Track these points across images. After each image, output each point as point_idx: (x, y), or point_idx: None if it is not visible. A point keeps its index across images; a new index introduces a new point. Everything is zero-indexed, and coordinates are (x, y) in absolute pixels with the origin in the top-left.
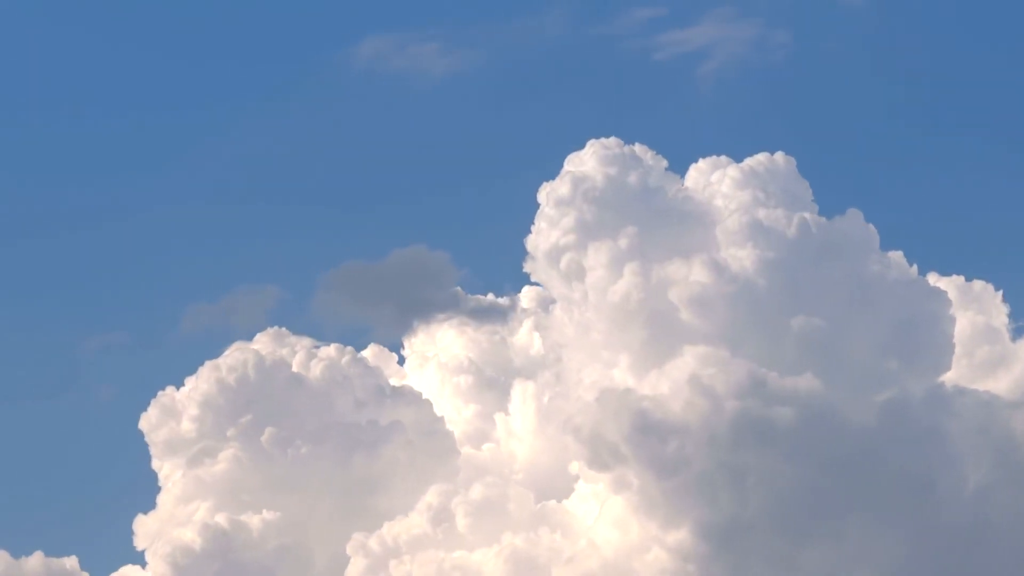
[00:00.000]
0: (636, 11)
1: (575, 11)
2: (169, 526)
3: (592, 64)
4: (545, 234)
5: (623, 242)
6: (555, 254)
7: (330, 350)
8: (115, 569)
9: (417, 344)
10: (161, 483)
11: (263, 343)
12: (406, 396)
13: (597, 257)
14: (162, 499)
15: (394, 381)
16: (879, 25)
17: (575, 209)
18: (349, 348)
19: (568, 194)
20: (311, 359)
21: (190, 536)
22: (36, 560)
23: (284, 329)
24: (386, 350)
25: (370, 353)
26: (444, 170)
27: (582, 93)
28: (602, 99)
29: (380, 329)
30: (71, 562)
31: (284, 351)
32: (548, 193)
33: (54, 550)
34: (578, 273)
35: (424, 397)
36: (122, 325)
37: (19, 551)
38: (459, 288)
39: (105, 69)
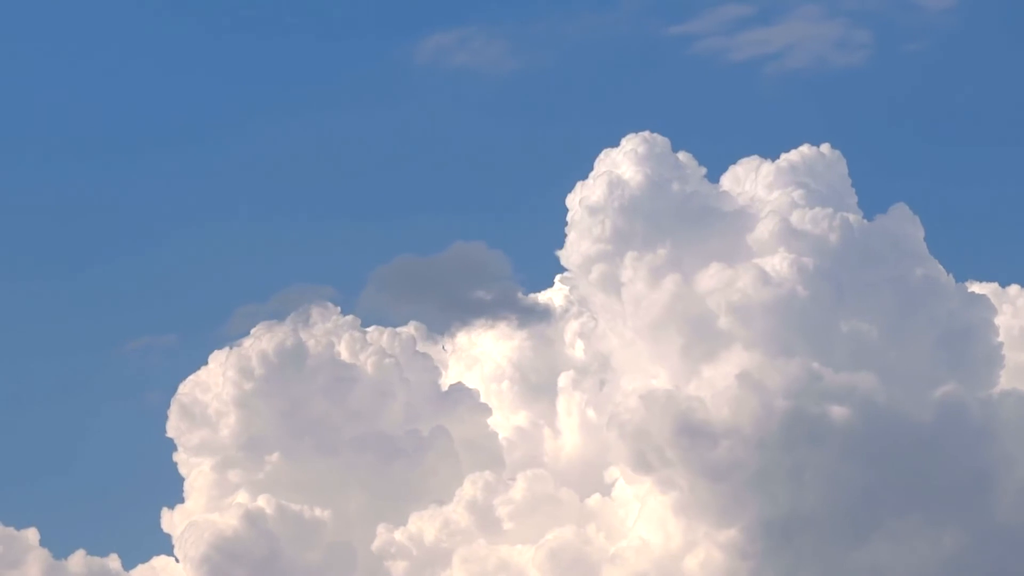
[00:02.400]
0: (722, 9)
1: (655, 9)
2: (202, 521)
3: (662, 65)
4: (576, 245)
5: (661, 251)
6: (588, 265)
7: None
8: (157, 570)
9: (461, 344)
10: (189, 478)
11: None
12: (458, 397)
13: (635, 267)
14: (193, 495)
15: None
16: (964, 28)
17: (609, 218)
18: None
19: (601, 201)
20: (360, 349)
21: (225, 526)
22: (78, 559)
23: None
24: (434, 336)
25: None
26: (499, 169)
27: (646, 94)
28: (665, 100)
29: (425, 327)
30: (113, 562)
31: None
32: (581, 199)
33: (96, 549)
34: (614, 283)
35: (481, 401)
36: (171, 327)
37: (61, 551)
38: (507, 288)
39: (157, 66)
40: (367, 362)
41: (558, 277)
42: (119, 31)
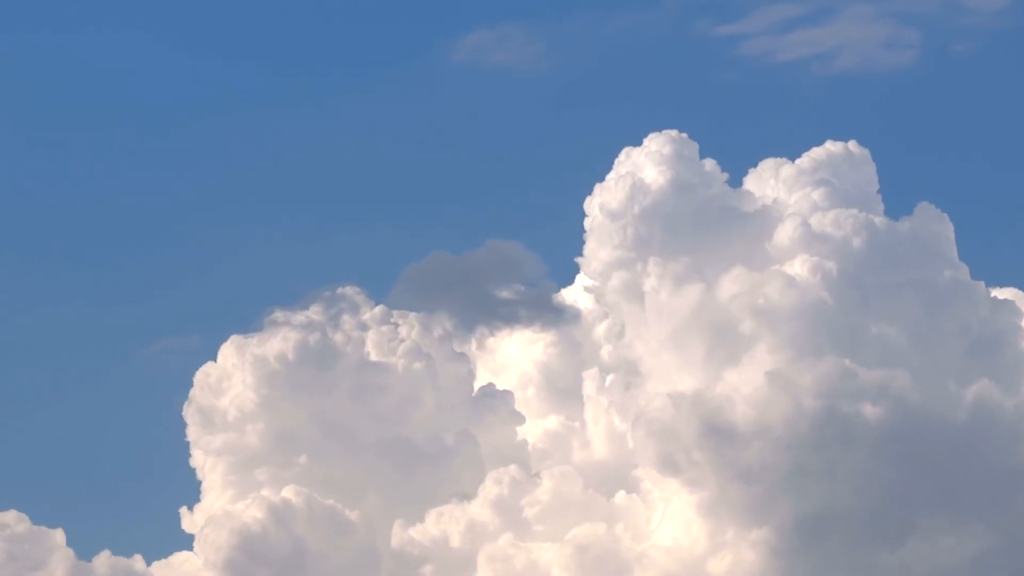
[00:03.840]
0: (773, 9)
1: (706, 9)
2: (221, 515)
3: (705, 65)
4: (595, 252)
5: (684, 258)
6: (608, 272)
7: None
8: (176, 567)
9: (489, 345)
10: (208, 479)
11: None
12: (490, 401)
13: (658, 274)
14: (211, 494)
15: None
16: (1014, 30)
17: (630, 224)
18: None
19: (621, 206)
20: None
21: (250, 519)
22: (103, 559)
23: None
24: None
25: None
26: (533, 168)
27: (685, 94)
28: (705, 101)
29: (454, 324)
30: (138, 563)
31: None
32: (600, 204)
33: (121, 550)
34: (636, 290)
35: (515, 409)
36: (198, 327)
37: (86, 551)
38: (536, 289)
39: (191, 60)
40: (398, 363)
41: (582, 285)
42: (153, 19)
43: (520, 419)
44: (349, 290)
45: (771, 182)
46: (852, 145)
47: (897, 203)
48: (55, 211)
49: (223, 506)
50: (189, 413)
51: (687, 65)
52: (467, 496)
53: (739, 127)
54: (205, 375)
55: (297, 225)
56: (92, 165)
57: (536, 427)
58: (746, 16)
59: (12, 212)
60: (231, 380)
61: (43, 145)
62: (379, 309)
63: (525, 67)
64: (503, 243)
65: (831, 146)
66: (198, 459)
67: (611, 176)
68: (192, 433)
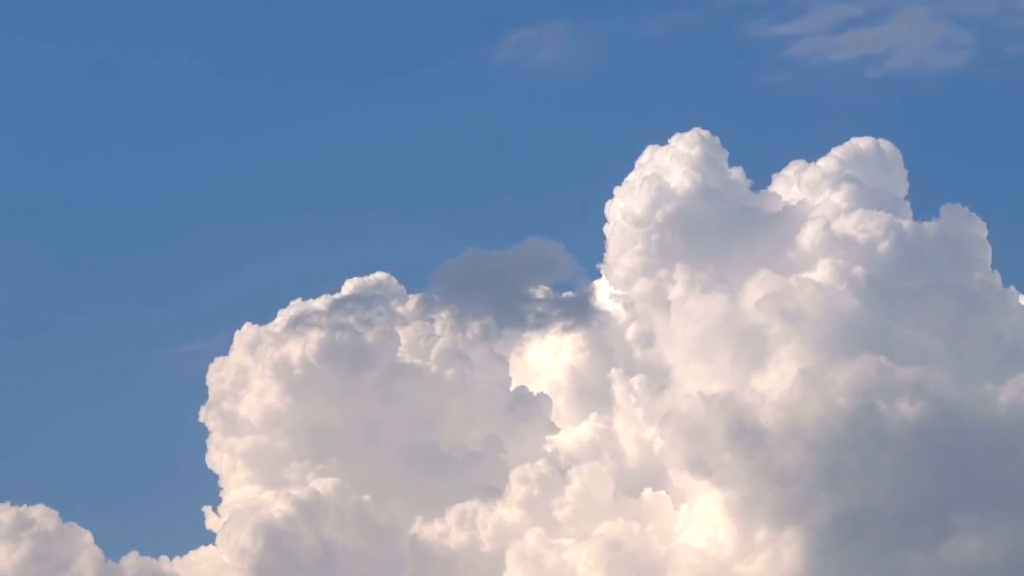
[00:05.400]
0: (828, 8)
1: (758, 8)
2: (243, 509)
3: (752, 66)
4: (617, 259)
5: (710, 264)
6: (632, 278)
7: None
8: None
9: (521, 346)
10: (223, 479)
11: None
12: (524, 406)
13: (683, 280)
14: (232, 492)
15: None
16: None
17: (655, 231)
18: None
19: (645, 213)
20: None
21: (275, 511)
22: (131, 560)
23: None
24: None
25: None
26: (570, 167)
27: (730, 94)
28: (751, 102)
29: (488, 325)
30: (167, 565)
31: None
32: (623, 210)
33: (148, 550)
34: (661, 296)
35: (551, 420)
36: (228, 323)
37: (113, 551)
38: (567, 290)
39: (227, 56)
40: (431, 366)
41: (607, 291)
42: (183, 17)
43: (554, 429)
44: (383, 280)
45: (795, 186)
46: (883, 143)
47: (932, 207)
48: (81, 217)
49: (246, 499)
50: (209, 417)
51: (735, 65)
52: (496, 494)
53: (781, 128)
54: (218, 377)
55: (333, 224)
56: (125, 169)
57: (567, 435)
58: (802, 15)
59: (40, 220)
60: (247, 386)
61: (62, 152)
62: (414, 300)
63: (568, 65)
64: (542, 241)
65: (859, 142)
66: (215, 458)
67: (634, 178)
68: (215, 436)
